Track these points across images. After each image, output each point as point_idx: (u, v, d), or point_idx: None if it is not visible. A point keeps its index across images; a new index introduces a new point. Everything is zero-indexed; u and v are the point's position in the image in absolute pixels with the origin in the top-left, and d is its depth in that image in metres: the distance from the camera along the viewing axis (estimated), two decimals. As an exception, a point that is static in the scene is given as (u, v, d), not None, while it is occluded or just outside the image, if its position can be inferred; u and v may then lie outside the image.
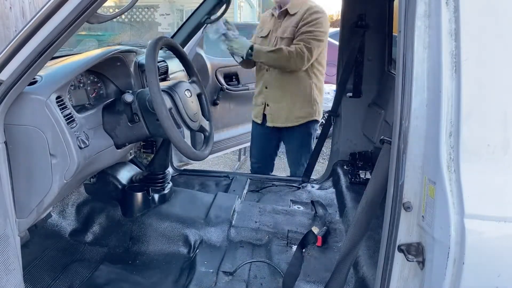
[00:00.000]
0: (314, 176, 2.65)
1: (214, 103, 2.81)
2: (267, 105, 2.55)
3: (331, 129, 2.61)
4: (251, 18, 16.23)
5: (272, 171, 2.88)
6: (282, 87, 2.46)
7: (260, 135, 2.73)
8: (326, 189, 2.49)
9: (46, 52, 1.12)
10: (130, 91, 1.69)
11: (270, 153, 2.81)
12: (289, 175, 2.78)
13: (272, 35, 2.49)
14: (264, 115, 2.60)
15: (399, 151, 0.94)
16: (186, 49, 2.58)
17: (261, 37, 2.56)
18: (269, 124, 2.59)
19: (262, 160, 2.83)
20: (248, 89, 3.13)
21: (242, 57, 2.34)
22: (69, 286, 1.65)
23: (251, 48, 2.31)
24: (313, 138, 2.67)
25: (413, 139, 0.92)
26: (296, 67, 2.33)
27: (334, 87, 4.05)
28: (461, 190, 0.86)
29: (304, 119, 2.53)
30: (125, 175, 2.10)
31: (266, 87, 2.53)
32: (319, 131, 2.67)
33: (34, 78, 1.33)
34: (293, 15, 2.39)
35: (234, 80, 3.11)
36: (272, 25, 2.51)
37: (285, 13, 2.44)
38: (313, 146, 2.64)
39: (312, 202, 2.24)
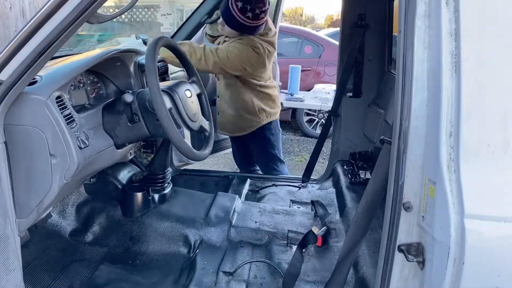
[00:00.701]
0: (314, 176, 2.65)
1: (214, 103, 2.81)
2: (218, 113, 2.59)
3: (331, 129, 2.61)
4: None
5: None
6: (227, 98, 2.49)
7: (232, 143, 2.87)
8: (326, 189, 2.49)
9: (46, 52, 1.12)
10: (130, 91, 1.69)
11: (246, 158, 2.85)
12: (290, 175, 2.79)
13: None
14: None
15: (399, 151, 0.94)
16: (186, 49, 2.57)
17: None
18: (219, 131, 2.65)
19: (243, 166, 2.91)
20: None
21: None
22: (69, 286, 1.65)
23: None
24: (274, 138, 2.64)
25: (413, 139, 0.92)
26: (198, 64, 2.18)
27: (334, 87, 4.05)
28: (461, 190, 0.86)
29: (251, 128, 2.54)
30: (125, 175, 2.10)
31: (218, 96, 2.58)
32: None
33: (34, 78, 1.33)
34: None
35: None
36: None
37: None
38: (276, 144, 2.65)
39: (312, 202, 2.24)
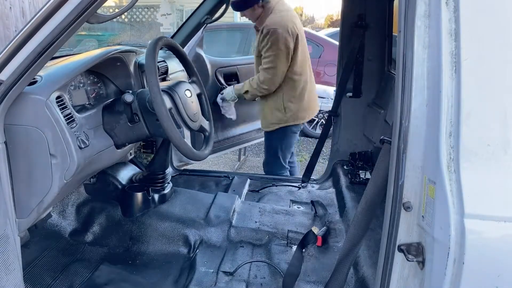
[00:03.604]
0: (314, 176, 2.65)
1: (214, 103, 2.81)
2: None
3: (331, 129, 2.61)
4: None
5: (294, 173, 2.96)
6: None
7: None
8: (326, 189, 2.49)
9: (46, 52, 1.12)
10: (130, 91, 1.69)
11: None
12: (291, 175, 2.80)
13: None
14: None
15: (399, 151, 0.94)
16: (186, 49, 2.58)
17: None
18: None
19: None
20: None
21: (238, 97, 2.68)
22: (69, 286, 1.65)
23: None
24: (288, 144, 2.71)
25: (413, 139, 0.92)
26: (270, 90, 2.48)
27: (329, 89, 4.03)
28: (461, 190, 0.86)
29: (277, 125, 2.59)
30: (125, 175, 2.10)
31: None
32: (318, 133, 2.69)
33: (34, 78, 1.33)
34: (259, 31, 2.45)
35: (233, 80, 3.12)
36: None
37: (257, 29, 2.53)
38: (286, 153, 2.73)
39: (312, 202, 2.24)
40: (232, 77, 3.09)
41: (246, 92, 2.54)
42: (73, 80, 1.59)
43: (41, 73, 1.36)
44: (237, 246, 1.87)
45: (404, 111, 0.92)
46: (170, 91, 1.61)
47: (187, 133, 1.63)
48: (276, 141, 2.66)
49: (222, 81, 2.96)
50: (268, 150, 2.76)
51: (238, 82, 3.15)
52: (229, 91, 2.69)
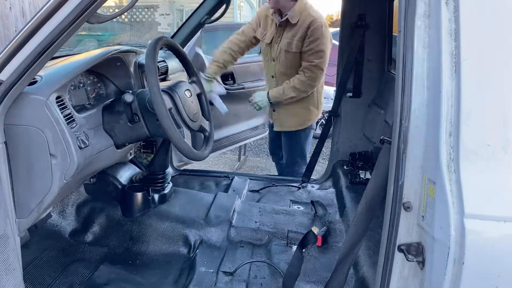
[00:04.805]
0: (314, 176, 2.65)
1: (211, 103, 2.82)
2: (274, 110, 2.61)
3: (331, 129, 2.61)
4: (251, 18, 16.22)
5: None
6: None
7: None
8: (326, 189, 2.49)
9: (46, 52, 1.12)
10: (130, 91, 1.69)
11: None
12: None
13: (274, 45, 2.47)
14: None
15: (399, 151, 0.94)
16: (186, 49, 2.58)
17: (264, 42, 2.52)
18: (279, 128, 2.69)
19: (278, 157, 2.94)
20: (243, 88, 3.18)
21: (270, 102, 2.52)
22: (69, 286, 1.65)
23: (268, 97, 2.49)
24: (310, 140, 2.74)
25: (413, 139, 0.92)
26: (307, 93, 2.45)
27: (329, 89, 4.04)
28: (461, 190, 0.86)
29: (309, 122, 2.62)
30: (125, 175, 2.10)
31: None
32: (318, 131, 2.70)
33: (34, 78, 1.33)
34: (295, 24, 2.35)
35: (229, 79, 3.14)
36: (274, 32, 2.46)
37: (285, 22, 2.39)
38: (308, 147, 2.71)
39: (312, 202, 2.24)
40: (228, 77, 3.10)
41: (292, 97, 2.42)
42: (73, 80, 1.59)
43: (41, 73, 1.36)
44: (237, 246, 1.87)
45: (404, 111, 0.92)
46: (170, 91, 1.61)
47: (187, 133, 1.63)
48: (304, 139, 2.66)
49: (220, 80, 2.96)
50: (295, 150, 2.69)
51: (234, 82, 3.16)
52: (263, 100, 2.51)
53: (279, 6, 2.37)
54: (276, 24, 2.44)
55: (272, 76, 2.54)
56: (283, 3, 2.34)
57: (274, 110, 2.59)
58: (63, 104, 1.40)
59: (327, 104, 4.56)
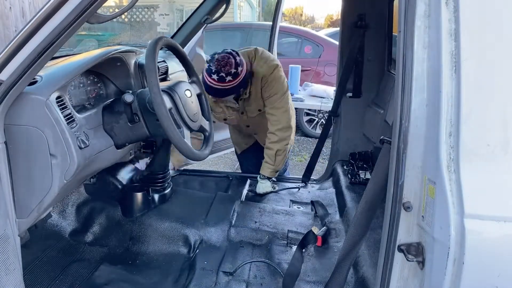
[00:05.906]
0: (314, 176, 2.65)
1: None
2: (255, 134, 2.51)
3: (331, 129, 2.61)
4: (251, 18, 16.30)
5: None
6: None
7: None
8: (326, 189, 2.49)
9: (46, 52, 1.12)
10: (130, 91, 1.69)
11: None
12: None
13: (242, 115, 2.36)
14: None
15: (399, 151, 0.94)
16: (186, 49, 2.58)
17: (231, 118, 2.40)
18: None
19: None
20: None
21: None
22: (69, 286, 1.65)
23: (267, 178, 2.36)
24: None
25: (413, 139, 0.92)
26: (290, 132, 2.27)
27: (329, 89, 4.02)
28: (461, 190, 0.86)
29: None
30: (125, 175, 2.10)
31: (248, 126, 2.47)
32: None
33: (34, 78, 1.33)
34: (251, 92, 2.22)
35: None
36: (236, 108, 2.33)
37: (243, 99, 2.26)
38: None
39: (312, 202, 2.24)
40: None
41: (283, 152, 2.28)
42: (73, 80, 1.59)
43: (41, 73, 1.36)
44: (237, 246, 1.87)
45: (404, 111, 0.92)
46: (170, 91, 1.61)
47: (187, 133, 1.63)
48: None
49: None
50: None
51: None
52: (265, 184, 2.36)
53: (232, 99, 2.26)
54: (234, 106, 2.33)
55: (248, 126, 2.45)
56: (236, 93, 2.18)
57: (256, 134, 2.49)
58: (63, 104, 1.40)
59: (327, 104, 4.60)
